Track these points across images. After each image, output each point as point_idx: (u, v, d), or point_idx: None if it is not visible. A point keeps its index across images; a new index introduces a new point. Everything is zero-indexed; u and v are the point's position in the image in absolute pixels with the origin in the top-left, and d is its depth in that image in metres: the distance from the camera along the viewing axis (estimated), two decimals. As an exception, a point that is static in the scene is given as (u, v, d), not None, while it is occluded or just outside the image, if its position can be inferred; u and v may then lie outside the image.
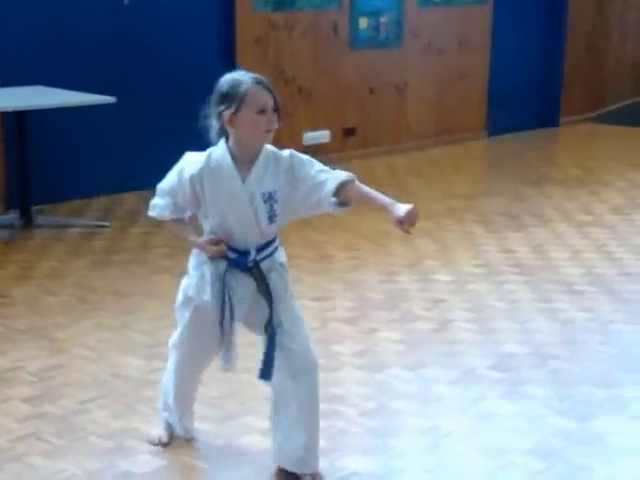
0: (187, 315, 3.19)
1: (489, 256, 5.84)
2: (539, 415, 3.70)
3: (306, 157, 3.01)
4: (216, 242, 3.00)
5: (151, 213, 3.19)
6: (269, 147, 3.00)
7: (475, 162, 9.21)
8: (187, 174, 3.01)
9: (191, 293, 3.13)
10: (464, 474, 3.24)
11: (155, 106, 7.44)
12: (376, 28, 8.73)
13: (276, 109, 2.94)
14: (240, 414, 3.68)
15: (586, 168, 8.59)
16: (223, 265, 3.02)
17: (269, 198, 2.96)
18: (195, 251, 3.13)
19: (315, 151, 8.21)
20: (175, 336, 3.30)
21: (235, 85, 2.93)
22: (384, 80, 8.83)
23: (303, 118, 8.31)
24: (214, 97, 2.98)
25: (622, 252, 5.95)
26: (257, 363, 3.08)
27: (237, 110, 2.90)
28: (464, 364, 4.18)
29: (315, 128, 8.37)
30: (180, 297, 3.20)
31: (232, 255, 3.01)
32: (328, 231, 6.29)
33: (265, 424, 3.43)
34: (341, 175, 2.92)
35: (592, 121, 10.90)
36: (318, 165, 2.99)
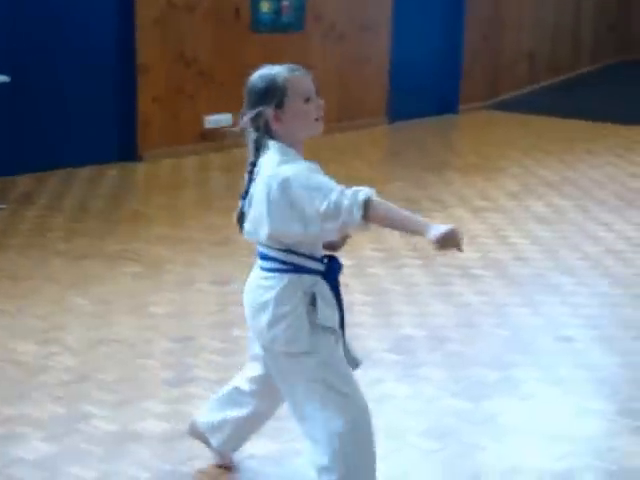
0: (334, 350, 2.72)
1: (389, 240, 5.90)
2: (434, 397, 3.77)
3: None
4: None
5: (366, 194, 2.53)
6: None
7: (376, 148, 9.29)
8: None
9: (329, 323, 2.68)
10: (360, 455, 3.27)
11: (50, 87, 7.28)
12: (278, 11, 8.71)
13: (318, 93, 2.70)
14: (137, 399, 3.64)
15: (483, 155, 8.75)
16: (315, 278, 2.67)
17: None
18: (280, 283, 2.67)
19: (216, 135, 8.17)
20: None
21: (271, 79, 2.67)
22: (286, 64, 8.81)
23: (204, 101, 8.24)
24: (249, 99, 2.69)
25: (517, 237, 6.09)
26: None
27: (281, 104, 2.63)
28: (363, 347, 4.22)
29: (216, 111, 8.31)
30: (306, 340, 2.65)
31: (324, 264, 2.71)
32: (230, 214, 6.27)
33: (162, 408, 3.41)
34: None
35: (489, 108, 11.11)
36: None
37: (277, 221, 2.59)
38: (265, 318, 2.66)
